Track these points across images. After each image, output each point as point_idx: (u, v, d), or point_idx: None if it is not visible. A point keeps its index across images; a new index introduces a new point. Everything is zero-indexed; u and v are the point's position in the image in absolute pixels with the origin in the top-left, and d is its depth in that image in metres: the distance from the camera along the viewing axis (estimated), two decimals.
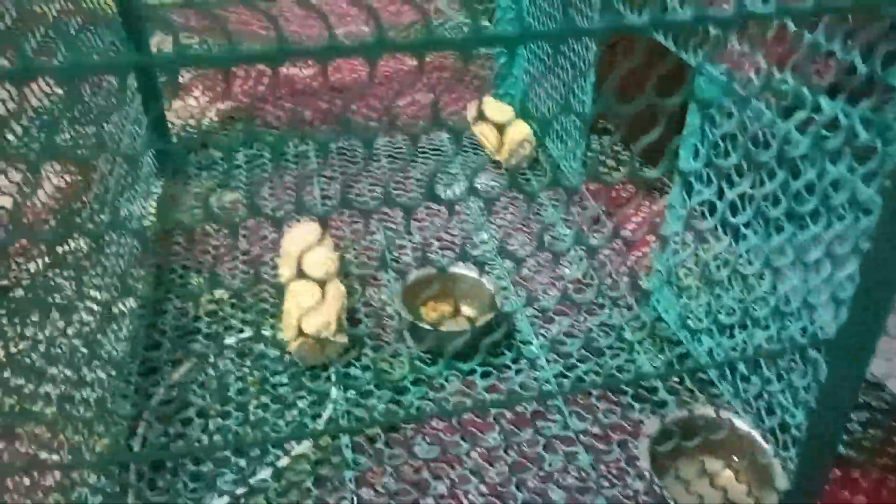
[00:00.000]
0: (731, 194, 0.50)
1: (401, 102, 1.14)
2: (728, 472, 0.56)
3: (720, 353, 0.63)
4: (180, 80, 1.16)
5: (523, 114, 1.06)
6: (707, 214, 0.60)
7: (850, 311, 0.42)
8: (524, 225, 0.89)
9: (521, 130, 0.98)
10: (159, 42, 1.25)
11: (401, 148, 1.04)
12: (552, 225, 0.89)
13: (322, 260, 0.74)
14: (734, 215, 0.52)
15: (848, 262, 0.41)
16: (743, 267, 0.49)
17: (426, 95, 1.15)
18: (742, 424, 0.55)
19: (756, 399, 0.57)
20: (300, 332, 0.67)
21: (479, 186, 0.97)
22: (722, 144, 0.59)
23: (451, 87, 1.18)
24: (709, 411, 0.53)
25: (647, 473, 0.55)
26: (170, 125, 1.06)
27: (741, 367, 0.57)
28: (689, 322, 0.65)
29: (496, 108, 1.04)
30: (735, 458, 0.56)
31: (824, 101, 0.45)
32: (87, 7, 0.79)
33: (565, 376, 0.69)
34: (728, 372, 0.63)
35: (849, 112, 0.43)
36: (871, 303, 0.42)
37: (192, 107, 1.13)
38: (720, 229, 0.55)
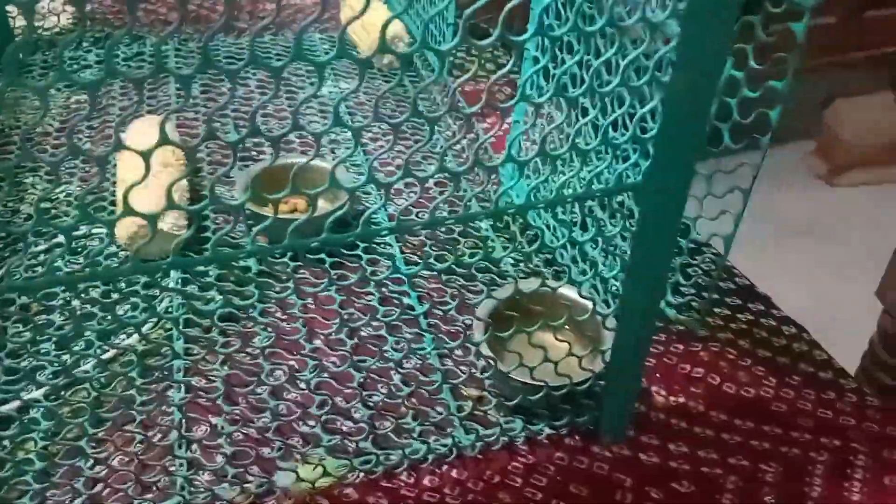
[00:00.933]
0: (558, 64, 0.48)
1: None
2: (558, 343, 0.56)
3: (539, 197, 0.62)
4: None
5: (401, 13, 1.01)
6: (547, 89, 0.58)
7: (655, 151, 0.41)
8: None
9: (393, 28, 0.94)
10: None
11: (269, 50, 0.99)
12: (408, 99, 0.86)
13: (168, 150, 0.70)
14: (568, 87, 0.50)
15: (649, 96, 0.39)
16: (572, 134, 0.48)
17: None
18: (568, 292, 0.53)
19: (586, 264, 0.57)
20: (127, 213, 0.62)
21: (345, 87, 0.93)
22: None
23: None
24: (533, 284, 0.51)
25: (481, 350, 0.53)
26: (11, 21, 0.97)
27: (577, 236, 0.56)
28: (526, 180, 0.64)
29: (372, 9, 0.99)
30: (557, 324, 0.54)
31: None
32: None
33: (415, 261, 0.67)
34: (568, 246, 0.62)
35: None
36: (676, 141, 0.41)
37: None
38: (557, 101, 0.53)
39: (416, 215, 0.68)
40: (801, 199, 2.14)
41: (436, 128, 0.38)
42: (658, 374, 0.60)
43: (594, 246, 0.57)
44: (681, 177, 0.41)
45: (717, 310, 0.66)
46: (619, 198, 0.51)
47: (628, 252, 0.45)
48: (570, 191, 0.52)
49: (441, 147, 0.79)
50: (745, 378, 0.60)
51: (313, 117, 0.86)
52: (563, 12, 0.54)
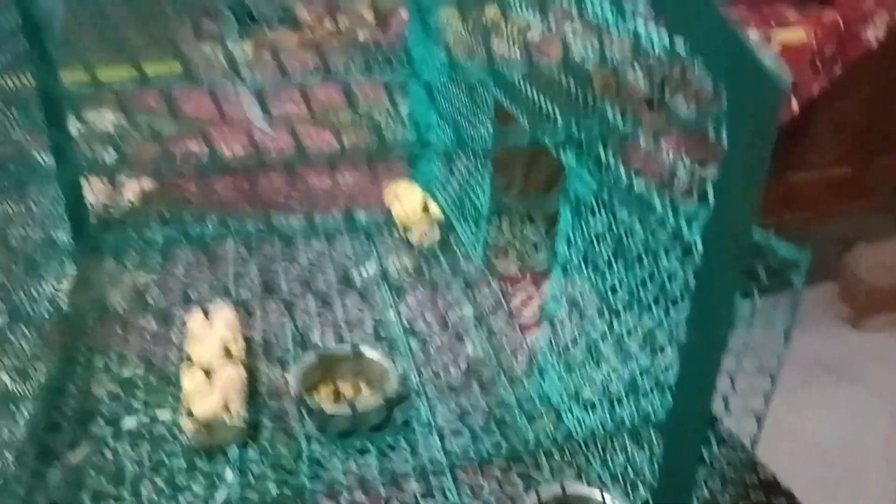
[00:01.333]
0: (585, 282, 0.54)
1: (321, 182, 1.19)
2: None
3: (581, 427, 0.67)
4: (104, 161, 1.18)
5: (435, 197, 1.11)
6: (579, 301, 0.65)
7: (677, 393, 0.46)
8: (431, 304, 0.93)
9: (432, 213, 1.03)
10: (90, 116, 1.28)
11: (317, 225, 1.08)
12: (456, 305, 0.92)
13: (215, 344, 0.76)
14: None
15: (668, 345, 0.45)
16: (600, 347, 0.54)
17: (347, 177, 1.20)
18: (605, 497, 0.58)
19: (619, 472, 0.61)
20: (199, 415, 0.68)
21: (391, 266, 1.01)
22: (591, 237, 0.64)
23: (371, 168, 1.23)
24: (580, 488, 0.56)
25: None
26: (88, 205, 1.07)
27: (605, 441, 0.61)
28: (563, 397, 0.69)
29: (410, 191, 1.09)
30: None
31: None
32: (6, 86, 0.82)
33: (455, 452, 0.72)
34: (595, 445, 0.67)
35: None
36: (694, 382, 0.46)
37: (110, 187, 1.15)
38: (583, 312, 0.59)
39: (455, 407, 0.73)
40: (827, 341, 2.16)
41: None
42: None
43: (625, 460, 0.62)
44: (699, 417, 0.46)
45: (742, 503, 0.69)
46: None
47: (655, 476, 0.49)
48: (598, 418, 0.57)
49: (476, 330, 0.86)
50: None
51: (351, 299, 0.93)
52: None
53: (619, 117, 0.58)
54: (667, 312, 0.50)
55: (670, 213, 0.48)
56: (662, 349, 0.46)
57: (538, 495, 0.61)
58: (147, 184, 1.17)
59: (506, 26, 0.87)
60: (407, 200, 1.07)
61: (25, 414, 0.73)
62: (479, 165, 0.94)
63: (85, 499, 0.67)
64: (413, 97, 1.14)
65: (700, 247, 0.42)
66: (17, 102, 0.85)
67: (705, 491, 0.68)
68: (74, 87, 1.02)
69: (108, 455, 0.71)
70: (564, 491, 0.57)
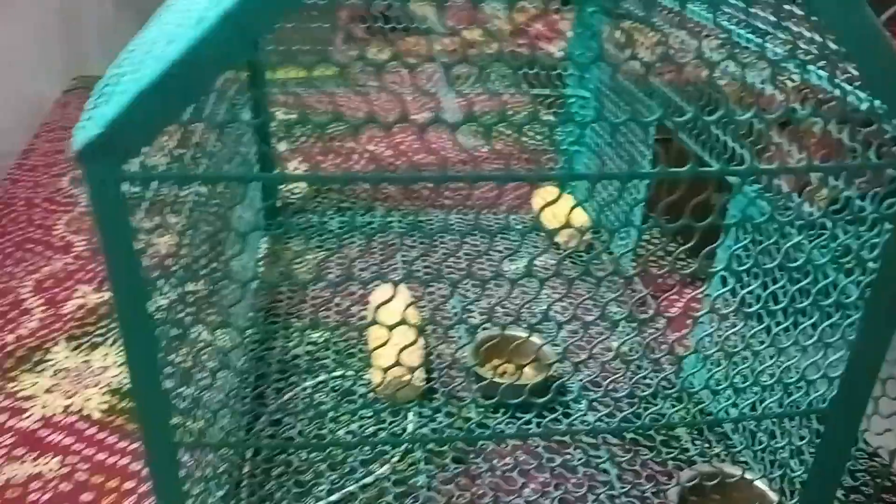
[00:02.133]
0: (750, 289, 0.63)
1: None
2: None
3: (734, 410, 0.75)
4: (283, 150, 1.34)
5: (582, 202, 1.20)
6: (732, 303, 0.73)
7: (840, 387, 0.54)
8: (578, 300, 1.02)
9: (579, 218, 1.12)
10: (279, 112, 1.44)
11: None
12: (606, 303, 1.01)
13: (397, 314, 0.88)
14: (751, 305, 0.64)
15: (838, 349, 0.53)
16: (755, 345, 0.62)
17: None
18: (757, 480, 0.66)
19: (765, 454, 0.69)
20: (395, 365, 0.80)
21: (538, 264, 1.11)
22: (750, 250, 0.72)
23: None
24: (733, 469, 0.65)
25: None
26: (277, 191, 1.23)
27: (754, 426, 0.69)
28: (711, 384, 0.77)
29: (557, 196, 1.18)
30: None
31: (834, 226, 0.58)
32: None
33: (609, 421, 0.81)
34: (742, 428, 0.75)
35: (852, 234, 0.56)
36: (856, 381, 0.54)
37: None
38: (741, 314, 0.68)
39: (605, 386, 0.83)
40: None
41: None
42: None
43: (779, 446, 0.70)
44: (859, 407, 0.54)
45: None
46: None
47: (810, 461, 0.57)
48: (754, 402, 0.65)
49: (622, 327, 0.94)
50: None
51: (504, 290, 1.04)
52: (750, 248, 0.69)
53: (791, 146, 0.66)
54: (826, 317, 0.57)
55: (841, 234, 0.56)
56: (826, 347, 0.54)
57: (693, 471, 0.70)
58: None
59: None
60: (554, 206, 1.16)
61: (240, 365, 0.87)
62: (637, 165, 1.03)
63: (293, 435, 0.80)
64: (566, 114, 1.23)
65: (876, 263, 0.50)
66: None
67: (845, 501, 0.74)
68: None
69: (308, 402, 0.85)
70: (716, 469, 0.66)
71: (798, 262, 0.57)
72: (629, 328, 0.95)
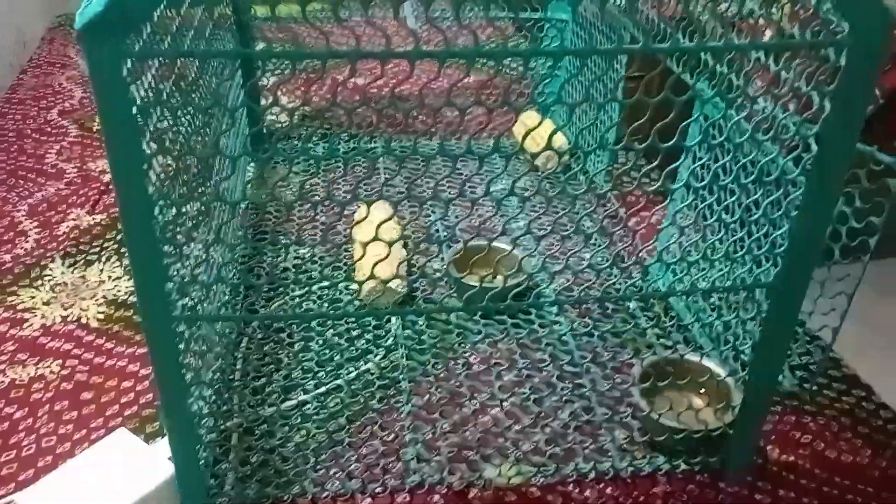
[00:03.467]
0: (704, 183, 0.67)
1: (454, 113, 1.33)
2: (698, 400, 0.73)
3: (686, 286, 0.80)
4: (268, 82, 1.36)
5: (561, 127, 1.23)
6: (691, 210, 0.77)
7: (784, 261, 0.59)
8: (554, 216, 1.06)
9: (557, 140, 1.16)
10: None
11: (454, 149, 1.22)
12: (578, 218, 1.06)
13: (391, 227, 0.92)
14: (705, 198, 0.69)
15: (781, 225, 0.57)
16: (708, 235, 0.66)
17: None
18: (708, 362, 0.71)
19: (718, 333, 0.74)
20: (371, 278, 0.84)
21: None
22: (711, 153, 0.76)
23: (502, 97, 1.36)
24: (684, 354, 0.70)
25: (636, 396, 0.71)
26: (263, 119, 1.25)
27: (707, 308, 0.74)
28: (671, 275, 0.82)
29: (536, 120, 1.22)
30: (704, 389, 0.72)
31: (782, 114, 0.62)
32: (218, 14, 0.99)
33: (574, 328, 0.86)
34: (696, 315, 0.80)
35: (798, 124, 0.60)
36: (799, 255, 0.58)
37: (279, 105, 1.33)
38: (699, 210, 0.72)
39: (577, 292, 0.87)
40: None
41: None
42: (774, 437, 0.75)
43: (728, 326, 0.75)
44: (803, 281, 0.59)
45: (826, 391, 0.81)
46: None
47: (757, 335, 0.62)
48: (707, 283, 0.70)
49: (595, 237, 0.99)
50: (845, 447, 0.75)
51: (488, 208, 1.08)
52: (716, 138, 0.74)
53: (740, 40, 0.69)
54: (768, 195, 0.62)
55: (789, 125, 0.60)
56: (770, 223, 0.58)
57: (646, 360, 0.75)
58: (307, 105, 1.34)
59: None
60: (535, 131, 1.20)
61: (232, 278, 0.91)
62: (610, 86, 1.06)
63: (283, 337, 0.84)
64: (549, 33, 1.26)
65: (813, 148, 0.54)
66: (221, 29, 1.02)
67: (793, 378, 0.80)
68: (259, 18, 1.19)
69: (298, 309, 0.89)
70: (666, 357, 0.71)
71: (747, 153, 0.62)
72: (602, 240, 1.00)
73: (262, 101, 1.24)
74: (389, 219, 0.59)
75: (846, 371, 0.84)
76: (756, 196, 0.61)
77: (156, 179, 0.50)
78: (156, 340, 0.55)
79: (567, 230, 0.67)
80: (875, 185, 0.63)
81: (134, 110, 0.46)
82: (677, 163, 0.81)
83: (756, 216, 0.58)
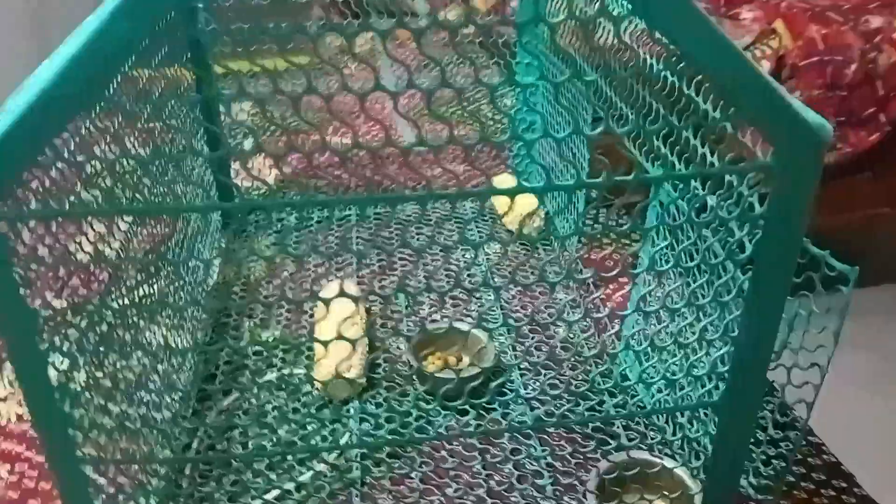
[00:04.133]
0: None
1: (435, 172, 1.31)
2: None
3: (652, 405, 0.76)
4: (244, 148, 1.35)
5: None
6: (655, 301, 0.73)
7: (728, 381, 0.55)
8: (526, 287, 1.03)
9: (531, 203, 1.13)
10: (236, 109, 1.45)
11: (428, 214, 1.20)
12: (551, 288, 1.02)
13: (342, 313, 0.90)
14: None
15: (724, 344, 0.54)
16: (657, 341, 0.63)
17: (455, 167, 1.31)
18: (677, 469, 0.67)
19: (684, 443, 0.70)
20: (332, 372, 0.82)
21: (491, 250, 1.12)
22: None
23: (474, 161, 1.34)
24: (652, 458, 0.66)
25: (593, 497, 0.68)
26: (234, 189, 1.24)
27: (680, 417, 0.70)
28: (640, 378, 0.78)
29: (510, 183, 1.19)
30: (667, 492, 0.68)
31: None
32: (169, 75, 0.97)
33: (542, 417, 0.82)
34: (671, 419, 0.76)
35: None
36: (745, 374, 0.55)
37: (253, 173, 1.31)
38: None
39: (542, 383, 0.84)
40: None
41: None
42: None
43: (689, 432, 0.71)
44: (751, 400, 0.55)
45: (803, 484, 0.76)
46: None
47: (709, 448, 0.58)
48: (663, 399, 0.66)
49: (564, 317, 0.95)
50: None
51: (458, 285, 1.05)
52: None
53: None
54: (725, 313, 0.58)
55: (734, 226, 0.57)
56: (710, 343, 0.55)
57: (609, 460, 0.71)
58: (283, 170, 1.33)
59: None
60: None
61: (188, 365, 0.89)
62: (577, 162, 1.03)
63: (235, 435, 0.82)
64: (519, 96, 1.23)
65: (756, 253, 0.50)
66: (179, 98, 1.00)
67: (769, 468, 0.75)
68: (224, 83, 1.18)
69: (253, 401, 0.87)
70: (631, 457, 0.67)
71: (699, 258, 0.58)
72: (575, 315, 0.97)
73: (232, 176, 1.23)
74: (350, 316, 0.57)
75: (826, 458, 0.79)
76: (704, 303, 0.57)
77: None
78: (64, 485, 0.52)
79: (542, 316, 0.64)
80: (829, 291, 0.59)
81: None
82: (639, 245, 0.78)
83: (700, 329, 0.54)
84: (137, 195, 0.73)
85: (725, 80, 0.43)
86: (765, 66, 1.68)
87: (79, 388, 0.52)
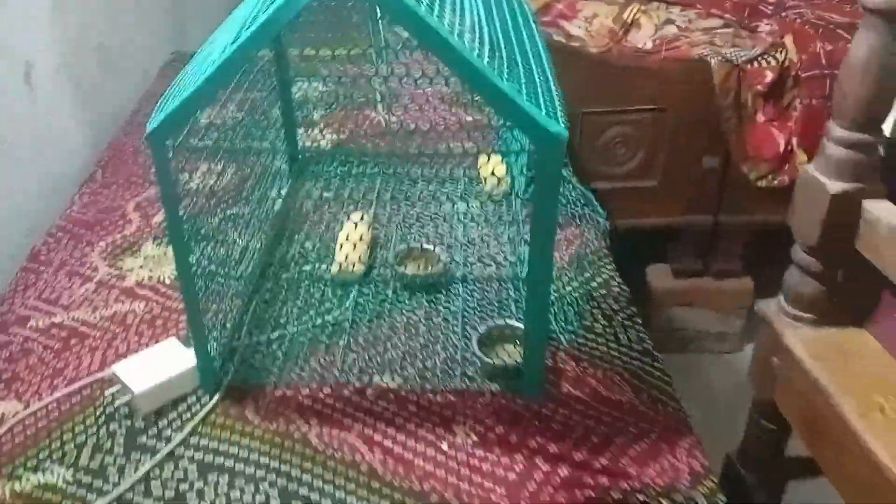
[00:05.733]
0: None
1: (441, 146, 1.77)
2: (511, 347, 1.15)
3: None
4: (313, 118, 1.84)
5: (510, 163, 1.65)
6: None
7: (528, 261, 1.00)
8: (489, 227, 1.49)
9: (501, 172, 1.58)
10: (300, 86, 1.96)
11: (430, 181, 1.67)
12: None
13: (365, 228, 1.39)
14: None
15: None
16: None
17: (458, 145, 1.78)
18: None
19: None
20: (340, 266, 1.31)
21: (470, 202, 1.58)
22: None
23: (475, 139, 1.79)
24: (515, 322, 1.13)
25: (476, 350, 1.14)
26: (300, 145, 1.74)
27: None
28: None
29: (494, 158, 1.64)
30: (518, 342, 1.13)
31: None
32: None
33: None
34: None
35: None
36: (537, 257, 0.99)
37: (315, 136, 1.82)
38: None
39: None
40: None
41: None
42: (563, 377, 1.15)
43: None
44: (545, 276, 1.00)
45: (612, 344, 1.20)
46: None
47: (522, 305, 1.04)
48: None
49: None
50: (613, 387, 1.14)
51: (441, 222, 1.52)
52: None
53: None
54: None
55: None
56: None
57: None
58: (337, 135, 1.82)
59: None
60: (489, 164, 1.63)
61: (256, 258, 1.39)
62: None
63: (287, 298, 1.32)
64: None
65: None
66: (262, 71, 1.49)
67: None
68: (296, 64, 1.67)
69: (299, 273, 1.36)
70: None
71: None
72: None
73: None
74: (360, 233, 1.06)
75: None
76: None
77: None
78: (186, 290, 1.03)
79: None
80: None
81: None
82: None
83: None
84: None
85: (492, 105, 0.88)
86: (768, 76, 2.06)
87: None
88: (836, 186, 1.17)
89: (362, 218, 1.45)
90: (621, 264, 1.42)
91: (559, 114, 0.92)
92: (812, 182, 1.21)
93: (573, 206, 1.40)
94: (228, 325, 1.20)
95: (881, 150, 1.18)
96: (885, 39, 1.08)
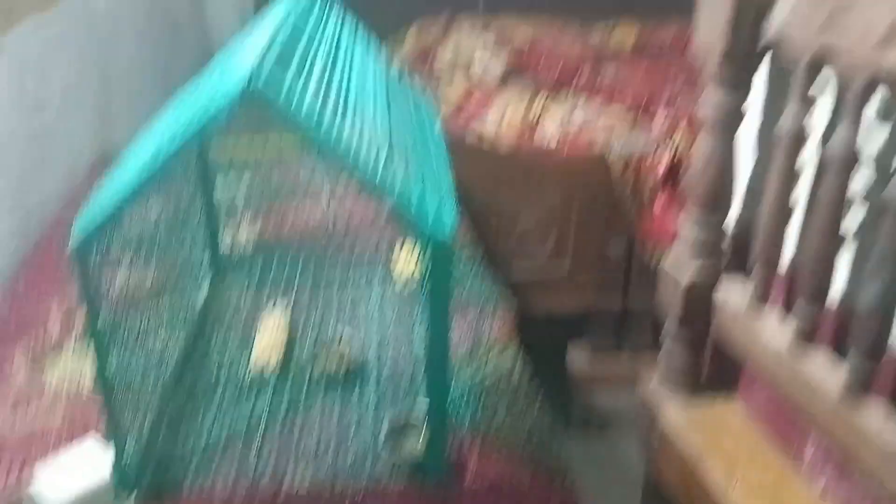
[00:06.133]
0: None
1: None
2: None
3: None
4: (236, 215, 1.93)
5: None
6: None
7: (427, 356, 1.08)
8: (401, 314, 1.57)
9: (412, 262, 1.68)
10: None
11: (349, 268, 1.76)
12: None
13: (280, 329, 1.45)
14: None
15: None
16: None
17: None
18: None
19: None
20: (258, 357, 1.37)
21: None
22: None
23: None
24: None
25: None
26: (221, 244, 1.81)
27: None
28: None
29: (407, 248, 1.74)
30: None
31: None
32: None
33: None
34: None
35: None
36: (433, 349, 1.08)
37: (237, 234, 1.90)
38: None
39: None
40: None
41: None
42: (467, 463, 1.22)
43: None
44: (442, 363, 1.09)
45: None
46: None
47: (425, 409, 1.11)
48: None
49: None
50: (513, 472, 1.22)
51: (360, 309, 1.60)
52: None
53: None
54: None
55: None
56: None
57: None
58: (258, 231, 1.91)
59: None
60: (403, 254, 1.73)
61: (175, 358, 1.43)
62: None
63: (203, 401, 1.36)
64: None
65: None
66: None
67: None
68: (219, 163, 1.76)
69: (216, 373, 1.41)
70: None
71: None
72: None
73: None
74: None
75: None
76: None
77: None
78: (105, 395, 1.08)
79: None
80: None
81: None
82: None
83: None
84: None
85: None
86: (662, 165, 2.23)
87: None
88: (687, 279, 1.31)
89: (281, 313, 1.52)
90: (540, 346, 1.52)
91: (450, 215, 1.02)
92: (667, 275, 1.36)
93: (478, 296, 1.50)
94: (145, 430, 1.24)
95: (728, 235, 1.35)
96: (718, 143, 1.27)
